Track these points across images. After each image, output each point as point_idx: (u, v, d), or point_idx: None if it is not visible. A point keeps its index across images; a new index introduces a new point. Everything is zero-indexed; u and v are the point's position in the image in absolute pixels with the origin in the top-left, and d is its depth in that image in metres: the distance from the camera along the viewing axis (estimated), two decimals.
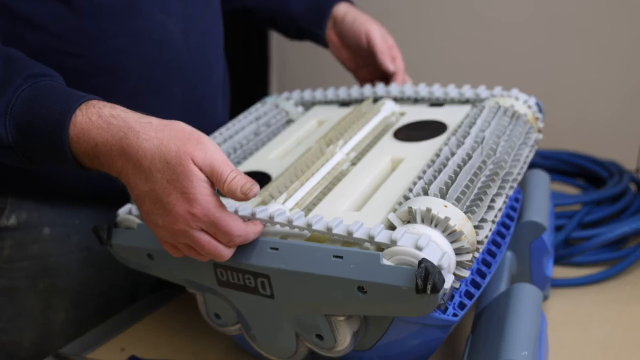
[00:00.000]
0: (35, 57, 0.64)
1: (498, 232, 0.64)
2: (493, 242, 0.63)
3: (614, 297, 0.78)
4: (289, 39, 0.96)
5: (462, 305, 0.57)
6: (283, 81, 1.85)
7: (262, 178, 0.68)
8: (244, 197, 0.51)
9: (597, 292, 0.80)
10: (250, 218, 0.56)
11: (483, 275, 0.60)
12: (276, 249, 0.55)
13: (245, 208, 0.57)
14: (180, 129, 0.52)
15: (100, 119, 0.53)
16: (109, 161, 0.53)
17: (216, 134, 0.76)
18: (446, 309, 0.55)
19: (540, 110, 0.71)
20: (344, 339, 0.56)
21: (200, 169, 0.51)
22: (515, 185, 0.61)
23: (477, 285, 0.59)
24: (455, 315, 0.56)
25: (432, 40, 1.43)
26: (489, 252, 0.62)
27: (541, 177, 0.78)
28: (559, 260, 0.84)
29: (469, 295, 0.58)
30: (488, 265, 0.61)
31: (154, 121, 0.53)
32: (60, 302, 0.79)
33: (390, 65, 0.83)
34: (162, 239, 0.55)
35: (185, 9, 0.76)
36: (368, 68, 0.88)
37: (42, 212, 0.77)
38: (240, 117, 0.80)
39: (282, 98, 0.85)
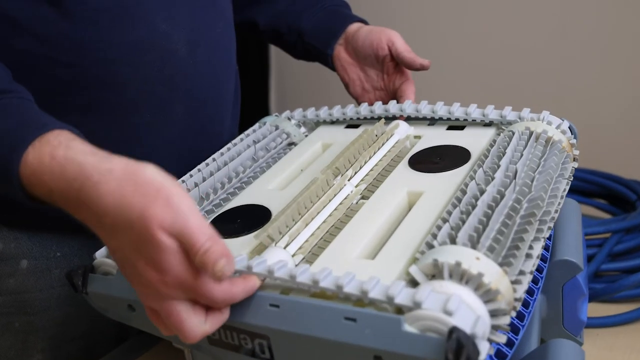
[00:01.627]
0: (22, 64, 0.57)
1: None
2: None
3: None
4: (295, 57, 0.88)
5: None
6: (283, 86, 1.79)
7: (260, 213, 0.60)
8: (215, 277, 0.43)
9: (634, 332, 0.72)
10: (244, 272, 0.47)
11: (516, 331, 0.52)
12: (277, 306, 0.46)
13: (241, 259, 0.48)
14: (147, 180, 0.43)
15: (53, 161, 0.45)
16: (69, 209, 0.46)
17: (209, 160, 0.68)
18: None
19: (574, 136, 0.63)
20: None
21: (170, 235, 0.42)
22: (552, 225, 0.53)
23: (510, 343, 0.51)
24: None
25: (442, 55, 1.36)
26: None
27: (573, 208, 0.70)
28: (590, 297, 0.76)
29: (501, 356, 0.50)
30: (521, 317, 0.53)
31: (117, 166, 0.44)
32: (38, 342, 0.72)
33: (421, 60, 0.75)
34: (142, 300, 0.47)
35: (192, 19, 0.68)
36: (376, 93, 0.80)
37: (20, 242, 0.70)
38: (236, 140, 0.72)
39: (282, 118, 0.77)
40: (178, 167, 0.69)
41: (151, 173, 0.43)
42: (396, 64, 0.77)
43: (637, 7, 1.23)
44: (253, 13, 0.84)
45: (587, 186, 1.00)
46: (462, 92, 1.44)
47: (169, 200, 0.42)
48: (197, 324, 0.44)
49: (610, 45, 1.28)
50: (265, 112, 1.77)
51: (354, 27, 0.80)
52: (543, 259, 0.59)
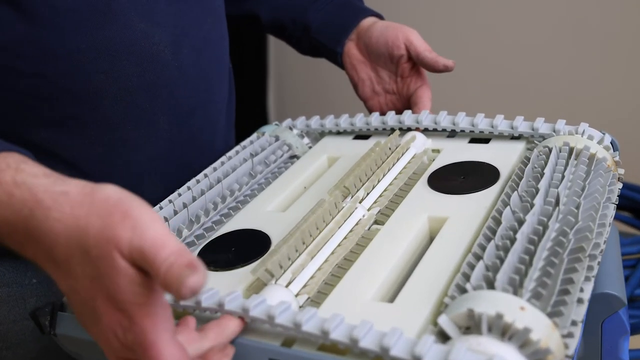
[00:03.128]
0: None
1: None
2: None
3: None
4: (301, 53, 0.79)
5: None
6: (282, 90, 1.71)
7: (258, 240, 0.52)
8: (182, 295, 0.33)
9: None
10: (241, 315, 0.40)
11: None
12: None
13: (234, 297, 0.41)
14: (103, 198, 0.36)
15: None
16: (16, 245, 0.39)
17: (200, 176, 0.60)
18: None
19: (617, 152, 0.55)
20: None
21: (130, 259, 0.35)
22: (601, 259, 0.45)
23: None
24: None
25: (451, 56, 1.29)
26: None
27: (610, 231, 0.62)
28: None
29: None
30: None
31: (73, 190, 0.37)
32: None
33: (444, 60, 0.66)
34: (106, 353, 0.39)
35: (176, 17, 0.60)
36: (387, 96, 0.71)
37: None
38: (231, 153, 0.64)
39: (283, 128, 0.69)
40: (166, 184, 0.61)
41: (109, 190, 0.37)
42: (412, 66, 0.69)
43: None
44: (254, 6, 0.76)
45: None
46: (471, 96, 1.36)
47: (126, 215, 0.35)
48: None
49: (636, 50, 1.21)
50: (263, 118, 1.69)
51: (368, 21, 0.72)
52: None
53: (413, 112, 0.64)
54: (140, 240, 0.34)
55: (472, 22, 1.36)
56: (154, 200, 0.54)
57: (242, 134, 0.72)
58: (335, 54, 0.72)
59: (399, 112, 0.65)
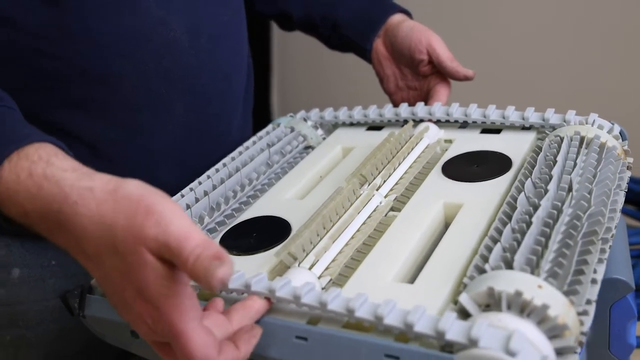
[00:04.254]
0: (5, 57, 0.53)
1: None
2: None
3: None
4: (330, 48, 0.81)
5: None
6: (285, 85, 1.73)
7: (278, 226, 0.53)
8: (212, 287, 0.35)
9: None
10: (267, 295, 0.41)
11: None
12: (304, 338, 0.40)
13: (260, 278, 0.42)
14: (126, 194, 0.38)
15: (30, 179, 0.40)
16: (47, 233, 0.40)
17: (219, 165, 0.61)
18: None
19: (626, 141, 0.57)
20: None
21: (157, 253, 0.36)
22: (612, 243, 0.47)
23: None
24: None
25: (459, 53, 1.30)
26: None
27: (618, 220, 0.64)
28: None
29: None
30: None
31: (97, 186, 0.39)
32: (30, 358, 0.66)
33: (465, 71, 0.68)
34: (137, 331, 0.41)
35: (193, 6, 0.61)
36: (410, 92, 0.73)
37: (12, 249, 0.64)
38: (248, 143, 0.65)
39: (298, 119, 0.70)
40: (182, 170, 0.62)
41: (131, 187, 0.38)
42: (433, 67, 0.71)
43: None
44: (287, 4, 0.78)
45: None
46: (482, 89, 1.38)
47: (149, 211, 0.36)
48: (207, 347, 0.38)
49: (628, 44, 1.23)
50: (267, 114, 1.70)
51: (396, 18, 0.73)
52: None
53: (427, 105, 0.66)
54: (165, 234, 0.36)
55: (483, 17, 1.37)
56: (169, 184, 0.55)
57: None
58: (365, 50, 0.74)
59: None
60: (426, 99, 0.71)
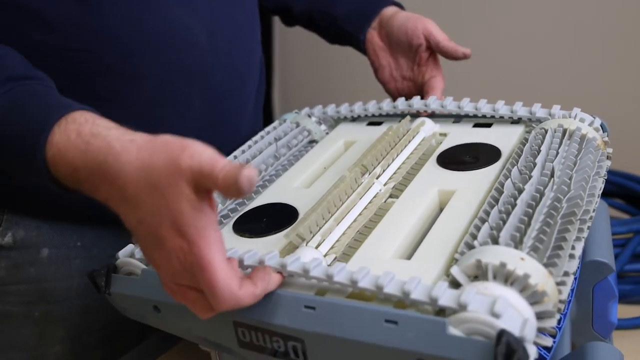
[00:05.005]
0: (39, 55, 0.57)
1: None
2: None
3: None
4: (329, 42, 0.86)
5: None
6: (287, 83, 1.77)
7: (286, 212, 0.58)
8: (240, 185, 0.39)
9: None
10: (279, 270, 0.46)
11: (553, 334, 0.50)
12: (312, 308, 0.45)
13: (272, 255, 0.47)
14: (163, 140, 0.43)
15: (79, 138, 0.45)
16: (92, 187, 0.45)
17: (230, 157, 0.66)
18: None
19: (607, 133, 0.61)
20: None
21: (193, 183, 0.41)
22: (591, 224, 0.51)
23: (547, 347, 0.49)
24: None
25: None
26: None
27: (601, 208, 0.68)
28: None
29: (540, 359, 0.49)
30: (557, 320, 0.51)
31: (138, 138, 0.44)
32: (57, 332, 0.71)
33: (463, 49, 0.72)
34: (162, 280, 0.45)
35: (212, 8, 0.66)
36: (404, 82, 0.78)
37: (42, 231, 0.69)
38: (257, 137, 0.70)
39: (302, 115, 0.75)
40: None
41: (166, 136, 0.43)
42: (429, 55, 0.75)
43: None
44: (287, 0, 0.83)
45: (604, 186, 0.99)
46: (474, 91, 1.42)
47: (183, 148, 0.41)
48: (231, 278, 0.42)
49: (626, 41, 1.27)
50: (268, 109, 1.75)
51: (390, 10, 0.78)
52: None
53: (423, 99, 0.70)
54: (198, 163, 0.40)
55: (477, 17, 1.41)
56: None
57: None
58: (359, 41, 0.79)
59: (413, 96, 0.72)
60: (420, 90, 0.75)
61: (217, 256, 0.41)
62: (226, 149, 0.68)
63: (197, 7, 0.64)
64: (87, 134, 0.45)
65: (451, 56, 0.74)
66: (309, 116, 0.75)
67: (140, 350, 0.71)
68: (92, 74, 0.60)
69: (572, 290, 0.56)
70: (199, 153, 0.41)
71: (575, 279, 0.57)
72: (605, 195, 0.99)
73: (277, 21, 1.58)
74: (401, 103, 0.71)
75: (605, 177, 0.57)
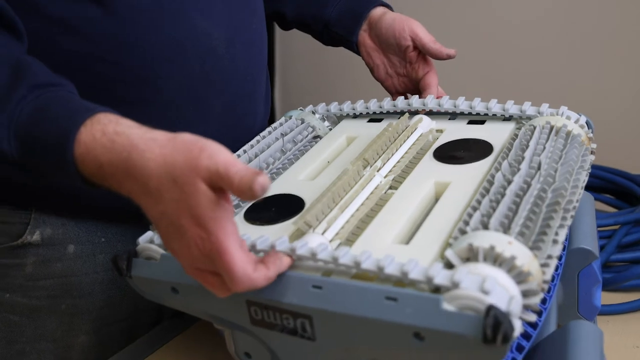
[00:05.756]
0: (68, 63, 0.62)
1: None
2: None
3: None
4: (324, 44, 0.90)
5: (520, 348, 0.52)
6: (287, 84, 1.81)
7: (294, 202, 0.62)
8: (255, 191, 0.43)
9: None
10: (289, 253, 0.50)
11: (539, 314, 0.55)
12: (319, 287, 0.49)
13: (282, 241, 0.51)
14: (183, 140, 0.47)
15: (104, 136, 0.48)
16: (116, 183, 0.49)
17: (240, 152, 0.70)
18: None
19: (591, 130, 0.66)
20: None
21: (209, 181, 0.45)
22: (574, 214, 0.56)
23: (533, 325, 0.54)
24: (514, 359, 0.51)
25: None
26: None
27: (587, 200, 0.73)
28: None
29: (526, 337, 0.53)
30: (543, 301, 0.56)
31: (159, 136, 0.48)
32: (82, 324, 0.76)
33: (447, 50, 0.77)
34: (184, 265, 0.49)
35: (230, 17, 0.71)
36: (399, 78, 0.83)
37: (67, 228, 0.73)
38: (264, 133, 0.75)
39: (307, 112, 0.80)
40: None
41: (187, 135, 0.47)
42: (419, 54, 0.80)
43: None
44: (281, 4, 0.87)
45: (595, 182, 1.03)
46: (469, 90, 1.46)
47: (202, 149, 0.45)
48: (246, 263, 0.46)
49: (615, 42, 1.31)
50: (271, 109, 1.78)
51: (378, 12, 0.82)
52: (563, 247, 0.62)
53: (421, 98, 0.75)
54: (215, 164, 0.44)
55: (470, 23, 1.45)
56: None
57: None
58: (352, 43, 0.83)
59: (410, 91, 0.76)
60: (415, 84, 0.80)
61: (234, 244, 0.46)
62: (242, 146, 0.72)
63: (217, 15, 0.69)
64: (112, 132, 0.49)
65: (436, 57, 0.79)
66: (313, 113, 0.79)
67: (152, 334, 0.76)
68: (117, 79, 0.65)
69: (557, 274, 0.60)
70: (216, 155, 0.45)
71: (560, 264, 0.62)
72: (596, 190, 1.04)
73: None
74: (401, 102, 0.75)
75: (589, 171, 0.61)
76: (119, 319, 0.77)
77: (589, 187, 1.02)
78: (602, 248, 0.83)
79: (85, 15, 0.62)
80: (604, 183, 1.03)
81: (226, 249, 0.45)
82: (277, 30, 1.69)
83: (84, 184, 0.52)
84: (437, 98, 0.74)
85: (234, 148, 0.71)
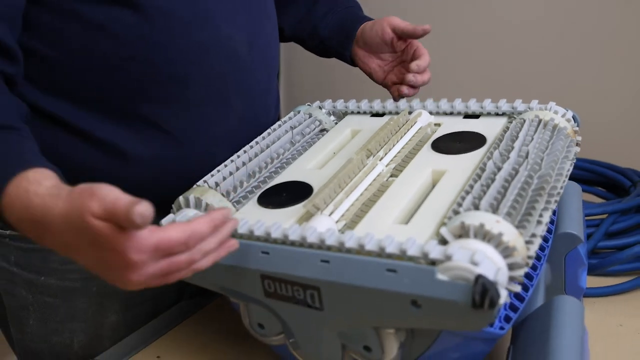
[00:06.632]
0: (104, 62, 0.68)
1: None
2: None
3: None
4: (319, 56, 1.00)
5: (507, 319, 0.57)
6: (291, 83, 1.86)
7: (302, 188, 0.68)
8: (141, 221, 0.46)
9: (626, 301, 0.81)
10: (301, 242, 0.56)
11: (526, 288, 0.60)
12: (327, 261, 0.55)
13: (294, 229, 0.57)
14: (77, 190, 0.50)
15: (26, 194, 0.53)
16: (37, 236, 0.53)
17: (253, 143, 0.76)
18: (493, 323, 0.55)
19: (577, 124, 0.71)
20: (391, 351, 0.57)
21: (102, 218, 0.48)
22: (558, 199, 0.61)
23: (520, 298, 0.59)
24: (502, 328, 0.56)
25: (439, 48, 1.44)
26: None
27: (574, 189, 0.78)
28: (587, 270, 0.84)
29: (514, 309, 0.59)
30: (530, 277, 0.62)
31: (63, 192, 0.52)
32: (112, 304, 0.81)
33: (421, 27, 0.85)
34: (138, 284, 0.52)
35: (249, 22, 0.78)
36: (396, 69, 0.90)
37: None
38: (275, 126, 0.80)
39: (314, 107, 0.85)
40: (234, 151, 0.76)
41: (81, 185, 0.50)
42: (404, 40, 0.88)
43: (631, 2, 1.30)
44: (280, 20, 0.94)
45: (587, 175, 1.09)
46: (469, 90, 1.51)
47: (92, 193, 0.48)
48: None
49: (606, 44, 1.35)
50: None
51: (363, 26, 0.91)
52: (548, 230, 0.68)
53: (414, 64, 0.83)
54: (104, 204, 0.47)
55: (471, 23, 1.50)
56: (224, 162, 0.72)
57: None
58: (346, 56, 0.93)
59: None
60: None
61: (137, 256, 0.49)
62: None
63: (239, 20, 0.76)
64: (32, 192, 0.52)
65: (414, 35, 0.87)
66: (320, 108, 0.85)
67: (175, 310, 0.81)
68: (147, 79, 0.71)
69: (544, 255, 0.66)
70: (104, 196, 0.48)
71: (547, 246, 0.67)
72: (589, 184, 1.09)
73: None
74: (402, 103, 0.81)
75: (574, 160, 0.67)
76: (145, 299, 0.82)
77: (582, 180, 1.08)
78: (590, 236, 0.88)
79: (122, 20, 0.68)
80: (596, 176, 1.09)
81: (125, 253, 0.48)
82: None
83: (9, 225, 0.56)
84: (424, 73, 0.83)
85: (250, 140, 0.77)
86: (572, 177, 1.06)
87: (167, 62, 0.71)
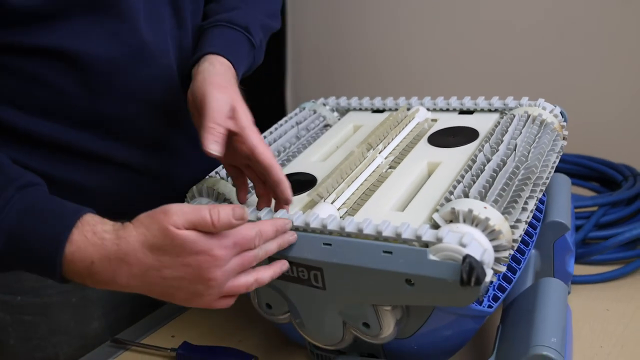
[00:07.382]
0: (45, 111, 0.70)
1: (526, 232, 0.69)
2: (522, 240, 0.68)
3: (630, 294, 0.83)
4: None
5: (495, 298, 0.62)
6: (297, 86, 1.90)
7: (308, 178, 0.73)
8: (240, 222, 0.54)
9: (613, 288, 0.85)
10: (304, 227, 0.61)
11: (514, 271, 0.65)
12: (329, 244, 0.60)
13: (298, 215, 0.62)
14: (144, 215, 0.55)
15: (95, 236, 0.55)
16: (109, 276, 0.55)
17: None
18: (481, 301, 0.60)
19: (564, 119, 0.76)
20: (389, 327, 0.62)
21: (187, 228, 0.53)
22: (544, 188, 0.66)
23: (508, 280, 0.64)
24: (490, 307, 0.61)
25: (438, 47, 1.47)
26: (518, 250, 0.67)
27: (563, 180, 0.83)
28: (577, 259, 0.89)
29: (502, 289, 0.64)
30: (518, 261, 0.66)
31: (128, 224, 0.55)
32: (93, 312, 0.82)
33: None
34: (215, 303, 0.57)
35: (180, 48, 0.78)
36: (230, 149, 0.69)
37: None
38: (282, 121, 0.85)
39: (319, 104, 0.90)
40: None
41: (144, 212, 0.55)
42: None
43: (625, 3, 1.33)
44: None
45: (583, 170, 1.13)
46: (468, 89, 1.55)
47: (164, 211, 0.54)
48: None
49: (604, 43, 1.38)
50: (282, 109, 1.88)
51: (201, 66, 0.72)
52: (537, 218, 0.73)
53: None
54: (185, 216, 0.53)
55: (471, 23, 1.54)
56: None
57: (266, 115, 0.91)
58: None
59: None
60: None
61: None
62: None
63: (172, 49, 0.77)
64: (100, 231, 0.55)
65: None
66: (324, 105, 0.90)
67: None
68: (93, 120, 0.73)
69: (532, 241, 0.70)
70: (182, 209, 0.53)
71: (535, 233, 0.72)
72: (584, 179, 1.14)
73: (290, 19, 1.72)
74: (401, 100, 0.86)
75: (560, 153, 0.71)
76: (125, 301, 0.83)
77: (578, 176, 1.12)
78: (581, 227, 0.93)
79: (56, 70, 0.68)
80: (590, 171, 1.13)
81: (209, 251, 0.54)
82: (289, 29, 1.77)
83: (60, 281, 0.57)
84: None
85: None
86: (569, 173, 1.11)
87: (107, 105, 0.72)
